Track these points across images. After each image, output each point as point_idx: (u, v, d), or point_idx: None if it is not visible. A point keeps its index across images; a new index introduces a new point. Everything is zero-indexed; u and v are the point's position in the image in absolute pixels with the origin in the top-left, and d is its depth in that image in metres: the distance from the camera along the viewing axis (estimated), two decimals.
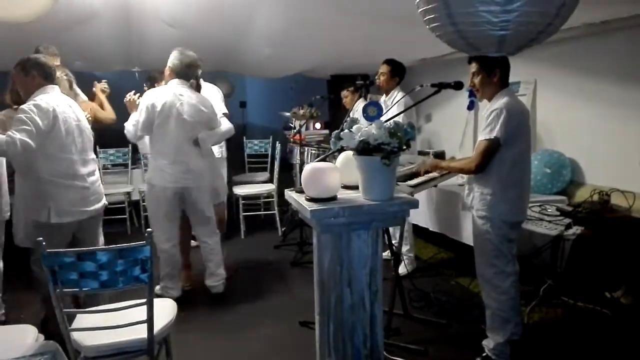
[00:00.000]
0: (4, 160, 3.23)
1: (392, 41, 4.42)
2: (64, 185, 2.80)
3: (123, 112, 3.81)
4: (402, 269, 3.76)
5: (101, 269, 1.87)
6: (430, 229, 4.41)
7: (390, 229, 3.74)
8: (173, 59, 3.49)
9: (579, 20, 3.43)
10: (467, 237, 3.60)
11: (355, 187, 2.07)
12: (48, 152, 2.74)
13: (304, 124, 5.37)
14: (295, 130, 5.67)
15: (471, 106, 4.88)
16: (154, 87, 3.92)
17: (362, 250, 2.01)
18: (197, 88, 3.78)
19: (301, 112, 6.05)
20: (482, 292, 2.80)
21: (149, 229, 1.95)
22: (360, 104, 4.54)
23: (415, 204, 2.03)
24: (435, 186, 3.65)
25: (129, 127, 3.60)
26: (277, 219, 5.50)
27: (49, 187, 2.76)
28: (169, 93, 3.43)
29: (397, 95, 4.00)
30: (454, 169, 2.91)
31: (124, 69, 6.19)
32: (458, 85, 2.67)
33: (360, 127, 1.95)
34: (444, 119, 5.87)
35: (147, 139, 3.62)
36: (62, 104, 2.83)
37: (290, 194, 2.15)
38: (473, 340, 2.92)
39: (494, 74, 2.62)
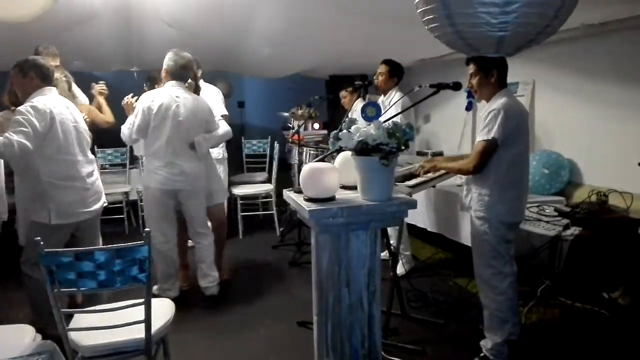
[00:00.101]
0: (1, 161, 3.23)
1: (391, 41, 4.43)
2: (63, 187, 2.80)
3: (121, 113, 3.79)
4: (400, 269, 3.76)
5: (99, 268, 1.87)
6: (429, 230, 4.41)
7: (389, 229, 3.74)
8: (167, 60, 3.47)
9: (578, 21, 3.44)
10: (465, 237, 3.60)
11: (354, 188, 2.07)
12: (45, 154, 2.74)
13: (302, 124, 5.37)
14: (293, 131, 5.67)
15: (469, 107, 4.89)
16: (154, 87, 3.91)
17: (360, 251, 2.01)
18: (197, 89, 3.77)
19: (300, 112, 6.05)
20: (480, 292, 2.80)
21: (146, 229, 1.95)
22: (359, 104, 4.54)
23: (413, 205, 2.03)
24: (434, 187, 3.66)
25: (125, 129, 3.59)
26: (276, 219, 5.49)
27: (49, 189, 2.76)
28: (166, 95, 3.41)
29: (395, 95, 4.00)
30: (452, 169, 2.91)
31: (123, 68, 6.19)
32: (456, 86, 2.67)
33: (359, 127, 1.95)
34: (443, 120, 5.87)
35: (142, 141, 3.60)
36: (59, 106, 2.83)
37: (288, 194, 2.15)
38: (471, 341, 2.92)
39: (491, 75, 2.62)
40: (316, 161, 2.15)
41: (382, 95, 4.17)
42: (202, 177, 3.61)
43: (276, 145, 5.66)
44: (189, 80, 3.63)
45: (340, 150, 2.07)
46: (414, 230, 4.44)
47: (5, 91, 3.21)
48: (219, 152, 4.54)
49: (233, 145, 4.16)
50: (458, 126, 5.20)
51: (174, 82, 3.47)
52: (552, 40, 2.02)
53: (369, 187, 1.97)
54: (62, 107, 2.85)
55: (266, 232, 5.52)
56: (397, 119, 2.33)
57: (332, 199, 1.97)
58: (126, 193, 5.70)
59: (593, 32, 3.60)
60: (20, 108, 2.69)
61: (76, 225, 2.92)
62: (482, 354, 2.77)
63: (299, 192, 2.05)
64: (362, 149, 1.91)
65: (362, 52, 4.97)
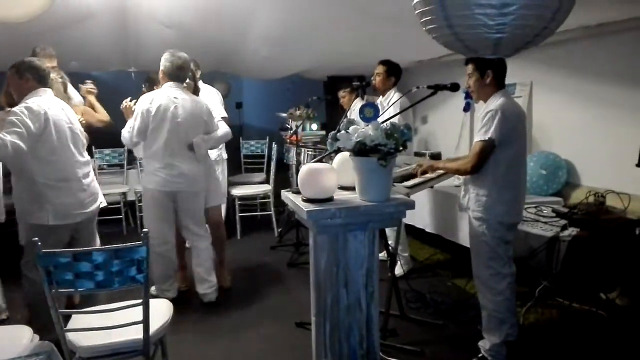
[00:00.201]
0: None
1: (389, 42, 4.43)
2: (59, 188, 2.79)
3: (120, 114, 3.77)
4: (398, 270, 3.76)
5: (97, 269, 1.86)
6: (427, 230, 4.42)
7: (387, 230, 3.75)
8: (164, 61, 3.44)
9: (575, 23, 3.45)
10: (464, 238, 3.61)
11: (352, 188, 2.07)
12: (40, 155, 2.73)
13: (300, 125, 5.37)
14: (291, 131, 5.67)
15: (467, 108, 4.89)
16: (153, 88, 3.88)
17: (358, 251, 2.01)
18: (196, 90, 3.75)
19: (298, 113, 6.05)
20: (478, 293, 2.80)
21: (144, 229, 1.95)
22: (357, 105, 4.55)
23: (411, 205, 2.03)
24: (432, 187, 3.66)
25: (125, 133, 3.56)
26: (274, 219, 5.49)
27: (44, 190, 2.75)
28: (164, 96, 3.39)
29: (393, 96, 4.00)
30: (450, 169, 2.92)
31: (121, 69, 6.18)
32: (454, 87, 2.68)
33: (357, 128, 1.96)
34: (440, 121, 5.88)
35: (142, 143, 3.58)
36: (54, 107, 2.82)
37: (286, 195, 2.15)
38: (469, 341, 2.93)
39: (486, 76, 2.64)
40: (314, 162, 2.15)
41: (381, 96, 4.17)
42: (201, 179, 3.59)
43: (274, 145, 5.67)
44: (188, 81, 3.62)
45: (338, 150, 2.07)
46: (412, 230, 4.44)
47: (2, 92, 3.20)
48: (218, 154, 4.53)
49: (231, 146, 4.15)
50: (456, 127, 5.20)
51: (172, 83, 3.46)
52: (550, 41, 2.03)
53: (367, 187, 1.97)
54: (57, 108, 2.85)
55: (264, 233, 5.52)
56: (395, 120, 2.34)
57: (330, 199, 1.97)
58: (124, 194, 5.69)
59: (590, 34, 3.61)
60: (15, 109, 2.69)
61: (74, 226, 2.91)
62: (480, 355, 2.78)
63: (297, 192, 2.05)
64: (360, 150, 1.91)
65: (360, 53, 4.97)
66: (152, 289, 3.46)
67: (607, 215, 3.15)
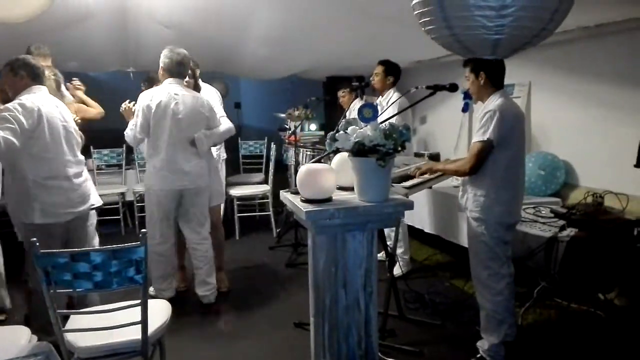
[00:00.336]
0: None
1: (388, 43, 4.44)
2: (48, 186, 2.77)
3: (120, 113, 3.76)
4: (397, 270, 3.77)
5: (95, 269, 1.86)
6: (426, 231, 4.42)
7: (385, 230, 3.75)
8: (163, 57, 3.42)
9: (574, 24, 3.45)
10: (463, 238, 3.61)
11: (351, 189, 2.08)
12: (32, 152, 2.71)
13: (299, 125, 5.37)
14: (290, 132, 5.67)
15: (465, 108, 4.91)
16: (152, 87, 3.88)
17: (357, 252, 2.01)
18: (197, 88, 3.74)
19: (296, 113, 6.05)
20: (477, 293, 2.81)
21: (143, 230, 1.94)
22: (357, 105, 4.54)
23: (410, 206, 2.04)
24: (430, 188, 3.66)
25: (128, 131, 3.54)
26: (272, 220, 5.49)
27: (34, 188, 2.74)
28: (164, 93, 3.37)
29: (392, 96, 4.00)
30: (448, 170, 2.92)
31: (120, 69, 6.17)
32: (453, 88, 2.69)
33: (356, 128, 1.96)
34: (439, 121, 5.89)
35: (146, 141, 3.56)
36: (47, 104, 2.81)
37: (285, 195, 2.15)
38: (467, 342, 2.93)
39: (480, 77, 2.65)
40: (313, 162, 2.15)
41: (380, 96, 4.18)
42: (206, 175, 3.56)
43: (273, 146, 5.66)
44: (188, 79, 3.60)
45: (337, 151, 2.08)
46: (411, 231, 4.44)
47: None
48: (217, 153, 4.51)
49: (230, 146, 4.14)
50: (454, 127, 5.21)
51: (171, 79, 3.43)
52: (548, 42, 2.03)
53: (365, 188, 1.97)
54: (51, 105, 2.83)
55: (263, 233, 5.52)
56: (394, 120, 2.34)
57: (329, 200, 1.97)
58: (122, 194, 5.67)
59: (589, 34, 3.62)
60: (8, 105, 2.68)
61: (65, 225, 2.89)
62: (478, 355, 2.78)
63: (296, 193, 2.06)
64: (359, 150, 1.91)
65: (360, 53, 4.97)
66: (150, 289, 3.45)
67: (605, 215, 3.16)
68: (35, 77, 2.85)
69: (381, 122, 2.03)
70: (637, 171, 3.15)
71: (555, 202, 3.82)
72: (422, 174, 2.99)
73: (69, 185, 2.86)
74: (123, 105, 3.66)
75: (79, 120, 3.45)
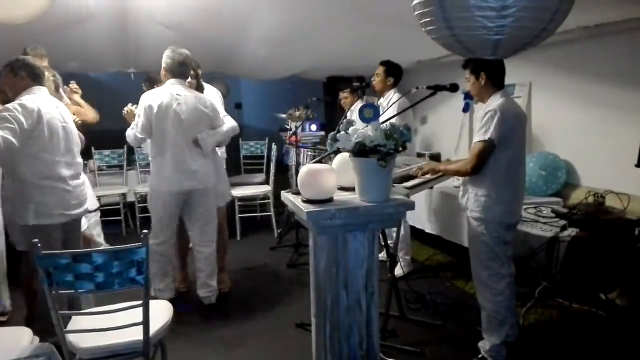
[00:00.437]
0: None
1: (389, 43, 4.44)
2: (43, 186, 2.76)
3: (119, 115, 3.76)
4: (398, 271, 3.76)
5: (97, 270, 1.86)
6: (427, 231, 4.42)
7: (387, 230, 3.75)
8: (165, 58, 3.41)
9: (574, 24, 3.45)
10: (465, 239, 3.60)
11: (352, 189, 2.08)
12: (30, 153, 2.71)
13: (299, 126, 5.37)
14: (291, 132, 5.67)
15: (466, 108, 4.90)
16: (153, 88, 3.87)
17: (358, 252, 2.01)
18: (199, 88, 3.73)
19: (297, 113, 6.05)
20: (478, 293, 2.81)
21: (144, 231, 1.95)
22: (358, 105, 4.54)
23: (411, 206, 2.04)
24: (431, 188, 3.66)
25: (129, 131, 3.52)
26: (273, 220, 5.49)
27: (30, 188, 2.73)
28: (166, 93, 3.36)
29: (394, 96, 4.00)
30: (450, 171, 2.92)
31: (120, 70, 6.18)
32: (453, 88, 2.68)
33: (357, 128, 1.96)
34: (440, 121, 5.89)
35: (149, 142, 3.55)
36: (47, 105, 2.81)
37: (286, 196, 2.15)
38: (469, 342, 2.93)
39: (481, 77, 2.66)
40: (314, 162, 2.15)
41: (381, 97, 4.18)
42: (212, 174, 3.55)
43: (274, 146, 5.66)
44: (190, 80, 3.59)
45: (338, 151, 2.08)
46: (412, 231, 4.44)
47: None
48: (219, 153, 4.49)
49: (231, 147, 4.13)
50: (455, 128, 5.21)
51: (174, 80, 3.42)
52: (549, 42, 2.03)
53: (366, 188, 1.97)
54: (51, 106, 2.83)
55: (264, 234, 5.52)
56: (395, 120, 2.34)
57: (329, 200, 1.97)
58: (124, 194, 5.68)
59: (589, 34, 3.61)
60: (8, 105, 2.68)
61: (62, 227, 2.88)
62: (480, 355, 2.78)
63: (297, 193, 2.06)
64: (360, 151, 1.91)
65: (360, 53, 4.97)
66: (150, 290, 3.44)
67: (606, 215, 3.15)
68: (36, 77, 2.85)
69: (382, 123, 2.03)
70: (638, 171, 3.15)
71: (556, 202, 3.82)
72: (424, 174, 2.99)
73: (63, 187, 2.85)
74: (125, 109, 3.65)
75: (80, 122, 3.45)
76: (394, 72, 4.08)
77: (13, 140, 2.58)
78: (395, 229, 3.52)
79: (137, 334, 2.03)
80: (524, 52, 1.82)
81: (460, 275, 4.01)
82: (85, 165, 4.51)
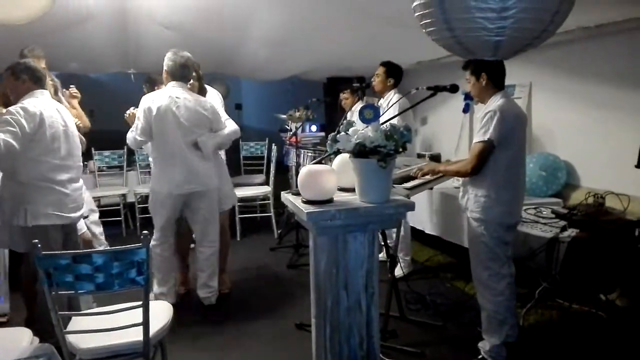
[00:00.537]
0: None
1: (389, 44, 4.44)
2: (40, 187, 2.76)
3: (121, 115, 3.75)
4: (398, 271, 3.76)
5: (97, 271, 1.86)
6: (427, 232, 4.42)
7: (387, 231, 3.75)
8: (167, 60, 3.41)
9: (574, 24, 3.45)
10: (465, 239, 3.60)
11: (352, 190, 2.08)
12: (31, 156, 2.72)
13: (300, 126, 5.37)
14: (291, 133, 5.67)
15: (466, 109, 4.91)
16: (154, 89, 3.86)
17: (358, 253, 2.01)
18: (202, 90, 3.72)
19: (297, 114, 6.04)
20: (478, 294, 2.81)
21: (144, 231, 1.95)
22: (359, 106, 4.54)
23: (411, 207, 2.04)
24: (431, 189, 3.66)
25: (129, 134, 3.51)
26: (273, 221, 5.49)
27: (27, 190, 2.73)
28: (165, 96, 3.35)
29: (393, 97, 4.00)
30: (450, 172, 2.92)
31: (120, 71, 6.17)
32: (454, 89, 2.68)
33: (357, 129, 1.96)
34: (440, 122, 5.89)
35: (149, 145, 3.54)
36: (49, 109, 2.81)
37: (286, 197, 2.15)
38: (469, 342, 2.93)
39: (481, 78, 2.66)
40: (314, 163, 2.16)
41: (382, 98, 4.18)
42: (213, 177, 3.54)
43: (274, 147, 5.66)
44: (192, 82, 3.57)
45: (338, 152, 2.08)
46: (412, 232, 4.44)
47: None
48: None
49: (231, 148, 4.13)
50: (455, 128, 5.21)
51: (174, 82, 3.42)
52: (549, 42, 2.03)
53: (366, 189, 1.97)
54: (52, 110, 2.84)
55: (264, 235, 5.52)
56: (396, 121, 2.34)
57: (330, 201, 1.97)
58: (124, 195, 5.68)
59: (589, 35, 3.61)
60: (10, 108, 2.69)
61: (60, 229, 2.88)
62: (480, 356, 2.78)
63: (297, 194, 2.06)
64: (360, 151, 1.91)
65: (360, 54, 4.98)
66: (150, 295, 3.41)
67: (606, 216, 3.15)
68: (37, 80, 2.85)
69: (382, 123, 2.03)
70: (638, 172, 3.15)
71: (556, 203, 3.82)
72: (424, 175, 2.99)
73: (61, 189, 2.84)
74: (128, 112, 3.65)
75: (81, 125, 3.44)
76: (394, 73, 4.08)
77: (14, 143, 2.58)
78: (395, 229, 3.52)
79: (137, 335, 2.03)
80: (524, 53, 1.82)
81: (460, 276, 4.01)
82: (85, 166, 4.52)
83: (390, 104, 3.88)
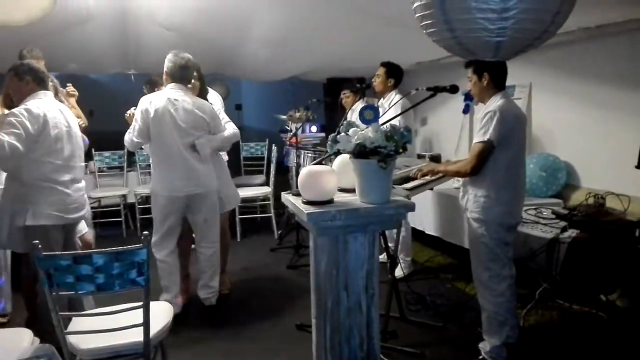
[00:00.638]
0: None
1: (388, 44, 4.44)
2: (43, 188, 2.76)
3: (121, 116, 3.75)
4: (398, 272, 3.76)
5: (97, 272, 1.86)
6: (427, 232, 4.42)
7: (387, 232, 3.75)
8: (167, 62, 3.38)
9: (575, 25, 3.45)
10: (465, 240, 3.60)
11: (352, 190, 2.08)
12: (35, 157, 2.72)
13: (300, 127, 5.37)
14: (291, 133, 5.67)
15: (466, 110, 4.91)
16: (154, 90, 3.84)
17: (358, 253, 2.01)
18: (203, 91, 3.71)
19: (297, 115, 6.04)
20: (478, 294, 2.81)
21: (145, 232, 1.95)
22: (359, 106, 4.54)
23: (411, 207, 2.04)
24: (431, 189, 3.66)
25: (126, 136, 3.46)
26: (274, 221, 5.49)
27: (30, 190, 2.74)
28: (163, 98, 3.31)
29: (394, 97, 4.00)
30: (450, 172, 2.92)
31: (120, 72, 6.18)
32: (453, 89, 2.69)
33: (357, 130, 1.96)
34: (440, 123, 5.89)
35: (148, 147, 3.51)
36: (53, 110, 2.82)
37: (286, 197, 2.15)
38: (469, 343, 2.93)
39: (483, 78, 2.66)
40: (314, 164, 2.16)
41: (382, 98, 4.18)
42: (213, 179, 3.51)
43: (274, 147, 5.66)
44: (193, 82, 3.55)
45: (338, 153, 2.08)
46: (413, 233, 4.44)
47: (1, 94, 3.20)
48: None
49: (231, 149, 4.13)
50: (455, 129, 5.21)
51: (173, 84, 3.38)
52: (549, 43, 2.03)
53: (367, 190, 1.98)
54: (56, 111, 2.84)
55: (264, 235, 5.52)
56: (397, 121, 2.34)
57: (330, 201, 1.97)
58: (124, 196, 5.68)
59: (590, 35, 3.61)
60: (14, 110, 2.69)
61: (60, 229, 2.88)
62: (480, 357, 2.78)
63: (297, 195, 2.06)
64: (360, 152, 1.91)
65: (360, 55, 4.98)
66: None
67: (607, 216, 3.15)
68: (41, 82, 2.86)
69: (382, 124, 2.03)
70: (639, 172, 3.15)
71: (556, 204, 3.82)
72: (424, 175, 2.99)
73: (63, 190, 2.84)
74: (128, 112, 3.64)
75: (84, 125, 3.44)
76: (394, 74, 4.08)
77: (19, 145, 2.59)
78: (395, 230, 3.52)
79: (137, 336, 2.03)
80: (525, 53, 1.82)
81: (460, 277, 4.01)
82: (85, 166, 4.51)
83: (391, 105, 3.88)
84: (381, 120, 2.13)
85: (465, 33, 1.63)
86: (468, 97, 4.45)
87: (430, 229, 4.37)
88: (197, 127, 3.40)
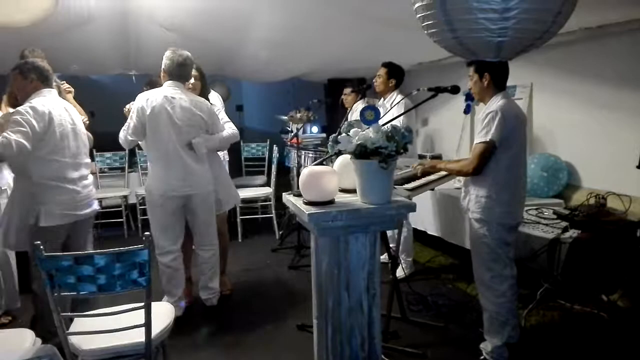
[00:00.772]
0: None
1: (389, 45, 4.44)
2: (52, 187, 2.77)
3: (121, 117, 3.75)
4: (399, 272, 3.76)
5: (99, 272, 1.87)
6: (429, 233, 4.42)
7: (388, 232, 3.75)
8: (165, 59, 3.33)
9: (576, 25, 3.45)
10: (466, 240, 3.61)
11: (353, 191, 2.08)
12: (41, 155, 2.73)
13: (301, 128, 5.37)
14: (292, 134, 5.67)
15: (467, 110, 4.90)
16: None
17: (360, 254, 2.01)
18: (204, 91, 3.69)
19: (298, 115, 6.05)
20: (480, 295, 2.80)
21: (146, 233, 1.95)
22: (359, 105, 4.54)
23: (412, 208, 2.04)
24: (433, 189, 3.66)
25: (121, 133, 3.40)
26: (275, 222, 5.49)
27: (39, 190, 2.75)
28: (159, 96, 3.25)
29: (396, 98, 4.00)
30: (451, 170, 2.92)
31: (122, 72, 6.19)
32: (454, 90, 2.69)
33: (358, 130, 1.96)
34: (441, 123, 5.89)
35: (143, 144, 3.47)
36: (57, 107, 2.83)
37: (288, 198, 2.15)
38: (471, 344, 2.93)
39: (484, 78, 2.66)
40: (315, 164, 2.16)
41: (382, 99, 4.18)
42: (209, 179, 3.47)
43: (275, 148, 5.66)
44: (194, 81, 3.54)
45: (339, 153, 2.08)
46: (414, 233, 4.43)
47: (6, 93, 3.21)
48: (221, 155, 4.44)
49: (232, 149, 4.13)
50: (456, 129, 5.21)
51: (171, 82, 3.33)
52: (550, 43, 2.03)
53: (368, 190, 1.98)
54: (60, 108, 2.86)
55: (265, 236, 5.52)
56: (398, 121, 2.34)
57: (331, 202, 1.97)
58: (125, 197, 5.68)
59: (591, 36, 3.62)
60: (19, 108, 2.70)
61: (68, 228, 2.89)
62: (482, 357, 2.78)
63: (298, 195, 2.06)
64: (361, 153, 1.91)
65: (361, 55, 4.98)
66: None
67: (608, 217, 3.15)
68: (45, 80, 2.87)
69: (383, 124, 2.03)
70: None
71: (557, 204, 3.81)
72: (424, 172, 2.99)
73: (73, 187, 2.87)
74: (127, 107, 3.63)
75: (87, 122, 3.44)
76: (396, 74, 4.08)
77: (26, 144, 2.60)
78: (397, 230, 3.52)
79: (139, 336, 2.03)
80: (526, 53, 1.82)
81: (462, 277, 4.01)
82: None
83: (393, 105, 3.88)
84: (382, 121, 2.13)
85: (467, 33, 1.63)
86: (469, 97, 4.45)
87: (432, 230, 4.37)
88: (194, 126, 3.35)
